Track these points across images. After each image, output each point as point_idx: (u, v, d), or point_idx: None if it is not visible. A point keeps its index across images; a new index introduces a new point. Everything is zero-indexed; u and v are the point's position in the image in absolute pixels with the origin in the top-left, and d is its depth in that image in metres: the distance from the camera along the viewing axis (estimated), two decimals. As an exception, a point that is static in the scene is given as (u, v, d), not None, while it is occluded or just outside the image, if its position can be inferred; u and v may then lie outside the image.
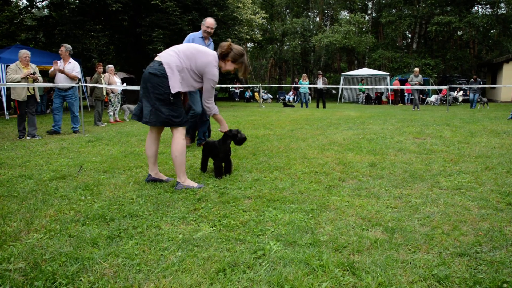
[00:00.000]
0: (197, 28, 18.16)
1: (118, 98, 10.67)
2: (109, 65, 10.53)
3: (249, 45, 38.85)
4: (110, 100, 10.41)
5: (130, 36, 18.62)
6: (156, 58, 3.41)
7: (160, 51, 17.46)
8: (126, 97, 16.13)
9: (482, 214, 2.63)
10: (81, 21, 16.57)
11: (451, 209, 2.75)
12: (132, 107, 11.10)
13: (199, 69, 3.32)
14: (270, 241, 2.18)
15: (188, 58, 3.31)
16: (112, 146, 5.79)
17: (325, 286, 1.71)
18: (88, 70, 19.21)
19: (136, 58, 19.83)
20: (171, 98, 3.25)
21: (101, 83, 9.62)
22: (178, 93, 3.32)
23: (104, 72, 10.15)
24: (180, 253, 2.06)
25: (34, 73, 7.02)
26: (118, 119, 10.58)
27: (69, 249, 2.11)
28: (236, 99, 27.61)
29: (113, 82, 10.23)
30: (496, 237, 2.24)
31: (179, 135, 3.38)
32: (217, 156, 3.75)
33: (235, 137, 3.76)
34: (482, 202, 2.88)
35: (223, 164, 3.78)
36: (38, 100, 7.35)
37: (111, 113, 10.41)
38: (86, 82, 15.21)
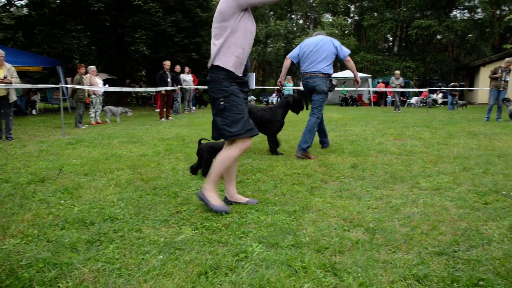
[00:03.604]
0: (180, 30, 18.13)
1: (100, 99, 10.50)
2: (91, 66, 10.36)
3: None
4: (91, 102, 10.24)
5: (112, 36, 18.37)
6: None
7: (142, 52, 17.25)
8: (108, 98, 15.90)
9: (459, 214, 2.69)
10: (61, 21, 16.25)
11: (430, 209, 2.80)
12: (114, 108, 10.95)
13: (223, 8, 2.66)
14: (253, 243, 2.18)
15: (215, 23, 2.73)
16: (93, 149, 5.70)
17: (307, 288, 1.72)
18: (69, 71, 18.85)
19: (118, 59, 19.57)
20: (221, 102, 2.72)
21: (83, 85, 9.46)
22: (232, 95, 2.73)
23: (86, 73, 9.98)
24: (161, 256, 2.04)
25: (5, 77, 6.71)
26: (99, 121, 10.42)
27: (47, 254, 2.06)
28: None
29: (95, 83, 10.08)
30: (473, 236, 2.29)
31: (234, 145, 2.79)
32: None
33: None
34: (460, 202, 2.95)
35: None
36: (11, 101, 7.01)
37: (93, 115, 10.24)
38: (66, 83, 14.94)
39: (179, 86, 12.66)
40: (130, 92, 21.98)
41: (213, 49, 2.71)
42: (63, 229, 2.44)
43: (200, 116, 12.93)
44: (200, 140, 3.87)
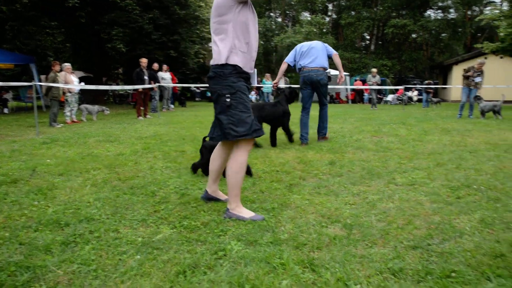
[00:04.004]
0: (158, 27, 17.89)
1: (75, 98, 10.27)
2: (66, 64, 10.11)
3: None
4: (66, 100, 10.00)
5: (88, 33, 17.95)
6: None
7: (119, 49, 16.95)
8: (84, 97, 15.55)
9: (433, 208, 2.76)
10: (34, 17, 15.77)
11: (406, 204, 2.87)
12: (90, 107, 10.72)
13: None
14: (231, 241, 2.18)
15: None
16: (68, 148, 5.57)
17: (286, 284, 1.73)
18: (43, 69, 18.31)
19: (94, 57, 19.16)
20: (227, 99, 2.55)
21: (58, 82, 9.22)
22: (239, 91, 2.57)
23: (60, 70, 9.73)
24: (139, 256, 2.01)
25: None
26: (75, 120, 10.18)
27: (19, 257, 2.00)
28: (197, 99, 27.33)
29: (70, 81, 9.84)
30: (446, 229, 2.36)
31: (240, 149, 2.62)
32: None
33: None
34: (433, 197, 3.03)
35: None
36: None
37: (68, 114, 10.00)
38: (40, 81, 14.53)
39: (157, 84, 12.51)
40: (107, 90, 21.56)
41: (216, 47, 2.57)
42: (37, 231, 2.38)
43: (179, 114, 12.81)
44: (204, 138, 3.79)
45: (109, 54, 18.07)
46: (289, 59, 5.86)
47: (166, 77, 14.54)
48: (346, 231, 2.34)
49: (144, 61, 11.43)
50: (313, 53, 5.61)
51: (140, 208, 2.80)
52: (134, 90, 12.94)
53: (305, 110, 5.83)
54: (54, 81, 9.19)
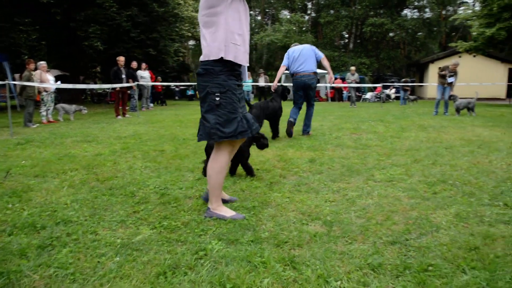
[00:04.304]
0: (137, 25, 17.61)
1: (51, 97, 10.02)
2: (41, 62, 9.84)
3: (191, 42, 38.32)
4: (42, 99, 9.74)
5: (64, 31, 17.51)
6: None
7: (97, 47, 16.61)
8: (61, 96, 15.18)
9: (411, 204, 2.82)
10: (7, 13, 15.29)
11: (384, 200, 2.92)
12: (67, 106, 10.48)
13: None
14: (212, 241, 2.17)
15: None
16: (44, 149, 5.43)
17: (267, 283, 1.74)
18: (17, 67, 17.77)
19: (71, 55, 18.71)
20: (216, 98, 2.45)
21: (33, 81, 8.97)
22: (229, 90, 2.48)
23: (35, 69, 9.47)
24: (118, 258, 1.98)
25: None
26: (51, 120, 9.94)
27: (-7, 262, 1.94)
28: (177, 98, 27.12)
29: (45, 80, 9.59)
30: (423, 224, 2.41)
31: (222, 149, 2.58)
32: (243, 156, 3.56)
33: (257, 140, 3.56)
34: (411, 193, 3.09)
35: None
36: None
37: (44, 113, 9.75)
38: (14, 80, 14.11)
39: (136, 83, 12.33)
40: (84, 89, 21.14)
41: (206, 39, 2.44)
42: (11, 234, 2.31)
43: (158, 113, 12.67)
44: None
45: (86, 52, 17.69)
46: (285, 62, 6.43)
47: (145, 75, 14.36)
48: (326, 228, 2.36)
49: (121, 59, 11.24)
50: (304, 59, 6.18)
51: (119, 209, 2.75)
52: (112, 89, 12.72)
53: (297, 105, 6.57)
54: (29, 80, 8.94)
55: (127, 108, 11.96)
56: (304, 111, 6.64)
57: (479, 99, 11.25)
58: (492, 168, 3.91)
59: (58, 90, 12.45)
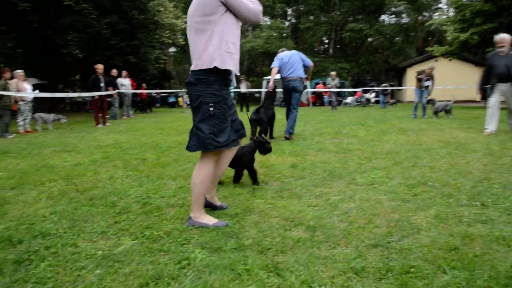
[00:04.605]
0: (116, 32, 17.42)
1: (29, 106, 9.80)
2: (18, 71, 9.63)
3: (172, 49, 38.13)
4: (19, 109, 9.51)
5: (41, 39, 17.16)
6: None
7: (76, 55, 16.31)
8: (39, 105, 14.85)
9: (392, 206, 2.86)
10: (-20, 21, 14.93)
11: (366, 203, 2.95)
12: (45, 115, 10.26)
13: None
14: (195, 250, 2.15)
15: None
16: (21, 160, 5.29)
17: (251, 290, 1.73)
18: (-9, 77, 17.32)
19: (49, 63, 18.34)
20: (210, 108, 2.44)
21: (9, 91, 8.75)
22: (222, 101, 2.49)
23: (11, 78, 9.25)
24: (99, 271, 1.94)
25: None
26: (29, 130, 9.71)
27: (-33, 279, 1.88)
28: (158, 105, 26.91)
29: (22, 89, 9.38)
30: (404, 226, 2.45)
31: (208, 158, 2.56)
32: (243, 163, 3.50)
33: (262, 145, 3.57)
34: (392, 195, 3.14)
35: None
36: None
37: (21, 123, 9.51)
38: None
39: (116, 91, 12.19)
40: (63, 98, 20.73)
41: (198, 47, 2.41)
42: (-13, 249, 2.23)
43: (139, 121, 12.53)
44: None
45: (65, 60, 17.38)
46: (276, 64, 6.89)
47: (125, 83, 14.20)
48: (309, 233, 2.37)
49: (99, 67, 11.08)
50: (293, 65, 6.75)
51: (100, 220, 2.70)
52: (91, 97, 12.52)
53: (289, 107, 7.02)
54: (5, 89, 8.72)
55: (107, 116, 11.78)
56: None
57: (455, 101, 11.54)
58: (469, 169, 4.01)
59: (35, 99, 12.17)
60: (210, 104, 2.42)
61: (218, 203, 2.93)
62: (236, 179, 3.65)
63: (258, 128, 6.58)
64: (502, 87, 6.51)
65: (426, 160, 4.55)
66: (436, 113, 10.85)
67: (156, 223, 2.62)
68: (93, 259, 2.08)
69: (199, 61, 2.42)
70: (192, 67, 2.47)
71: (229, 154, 2.79)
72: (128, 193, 3.39)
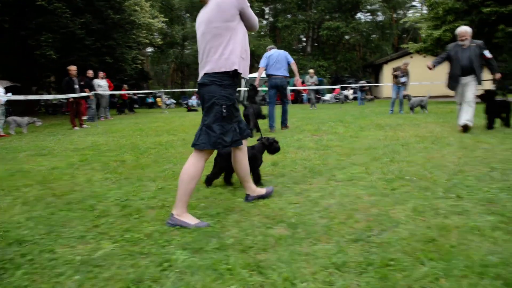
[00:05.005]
0: (91, 32, 17.06)
1: (1, 109, 9.50)
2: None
3: (149, 49, 37.66)
4: (-10, 113, 9.23)
5: (13, 40, 16.64)
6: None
7: (50, 56, 15.90)
8: (12, 108, 14.41)
9: (371, 201, 2.90)
10: None
11: (346, 199, 2.99)
12: (19, 119, 9.97)
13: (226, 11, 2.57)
14: (177, 251, 2.13)
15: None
16: (-6, 165, 5.13)
17: (233, 289, 1.73)
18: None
19: (22, 65, 17.80)
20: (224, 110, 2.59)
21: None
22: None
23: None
24: (78, 276, 1.90)
25: None
26: (2, 134, 9.41)
27: None
28: (136, 106, 26.56)
29: (-8, 92, 9.09)
30: (383, 221, 2.49)
31: (201, 157, 2.64)
32: (257, 164, 3.47)
33: (271, 145, 3.55)
34: (371, 190, 3.19)
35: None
36: None
37: (-7, 127, 9.23)
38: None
39: (93, 92, 11.95)
40: (38, 100, 20.19)
41: (216, 51, 2.56)
42: (-41, 259, 2.16)
43: (118, 122, 12.33)
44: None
45: (39, 61, 16.91)
46: (263, 64, 7.63)
47: (102, 84, 13.94)
48: (291, 231, 2.39)
49: (72, 69, 10.81)
50: (279, 64, 7.47)
51: (78, 225, 2.65)
52: (67, 99, 12.24)
53: (271, 103, 7.83)
54: (-25, 93, 8.45)
55: (84, 118, 11.55)
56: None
57: (431, 97, 11.81)
58: (445, 162, 4.11)
59: (8, 102, 11.80)
60: (223, 106, 2.57)
61: (263, 190, 3.06)
62: (256, 180, 3.52)
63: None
64: (464, 80, 6.42)
65: (404, 154, 4.64)
66: (412, 108, 11.09)
67: (136, 225, 2.58)
68: (72, 264, 2.03)
69: (217, 64, 2.56)
70: (207, 69, 2.59)
71: (244, 150, 2.89)
72: (107, 196, 3.33)
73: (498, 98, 6.92)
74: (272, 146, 3.57)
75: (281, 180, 3.64)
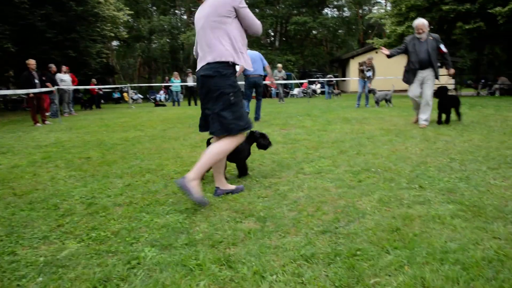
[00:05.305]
0: (53, 25, 16.37)
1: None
2: None
3: (115, 43, 36.62)
4: None
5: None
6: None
7: (7, 49, 15.16)
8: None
9: (339, 193, 2.97)
10: None
11: (314, 192, 3.04)
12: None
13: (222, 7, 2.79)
14: (145, 248, 2.10)
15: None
16: None
17: (203, 285, 1.72)
18: None
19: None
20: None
21: None
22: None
23: None
24: (41, 278, 1.83)
25: None
26: (-45, 132, 8.91)
27: None
28: (102, 101, 25.82)
29: None
30: (350, 212, 2.55)
31: (233, 139, 2.91)
32: (238, 157, 3.48)
33: (257, 140, 3.55)
34: (338, 182, 3.25)
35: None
36: None
37: None
38: None
39: (56, 87, 11.51)
40: (-6, 96, 19.24)
41: (214, 43, 2.76)
42: None
43: (83, 118, 11.94)
44: (208, 140, 3.59)
45: (-5, 55, 16.09)
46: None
47: (65, 78, 13.46)
48: (260, 224, 2.40)
49: (31, 62, 10.33)
50: (255, 63, 7.85)
51: (41, 224, 2.55)
52: (27, 95, 11.73)
53: (247, 99, 8.29)
54: None
55: (47, 114, 11.10)
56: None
57: (395, 91, 12.17)
58: (408, 154, 4.26)
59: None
60: (231, 94, 2.81)
61: (232, 186, 3.10)
62: (242, 172, 3.59)
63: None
64: (422, 74, 6.36)
65: (369, 147, 4.76)
66: (377, 102, 11.39)
67: (103, 223, 2.52)
68: (34, 266, 1.96)
69: (215, 54, 2.77)
70: (209, 59, 2.79)
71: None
72: (72, 194, 3.23)
73: (450, 93, 6.94)
74: (260, 141, 3.58)
75: (250, 174, 3.65)
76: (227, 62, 2.78)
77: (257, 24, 2.93)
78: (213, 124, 2.84)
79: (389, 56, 6.60)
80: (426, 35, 6.33)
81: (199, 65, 2.91)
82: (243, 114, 2.88)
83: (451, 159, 3.93)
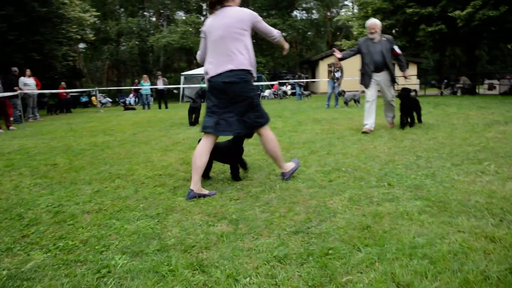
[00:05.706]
0: (14, 26, 15.73)
1: None
2: None
3: (81, 45, 35.62)
4: None
5: None
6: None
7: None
8: None
9: (310, 193, 3.00)
10: None
11: (286, 192, 3.06)
12: None
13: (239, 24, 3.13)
14: (115, 256, 2.05)
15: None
16: None
17: (176, 290, 1.70)
18: None
19: None
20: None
21: None
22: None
23: None
24: (5, 291, 1.76)
25: None
26: None
27: None
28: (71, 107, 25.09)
29: None
30: (322, 211, 2.58)
31: (265, 131, 3.30)
32: (231, 158, 3.54)
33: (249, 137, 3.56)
34: (309, 183, 3.29)
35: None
36: None
37: None
38: None
39: (19, 92, 11.07)
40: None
41: (235, 52, 3.06)
42: None
43: (49, 123, 11.53)
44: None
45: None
46: None
47: (29, 82, 12.96)
48: (232, 227, 2.39)
49: (-7, 66, 9.94)
50: None
51: (4, 236, 2.44)
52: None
53: None
54: None
55: (11, 119, 10.65)
56: None
57: (363, 91, 12.45)
58: (377, 153, 4.36)
59: None
60: (254, 97, 3.21)
61: (206, 191, 3.12)
62: (236, 175, 3.56)
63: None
64: (378, 77, 6.18)
65: (339, 147, 4.85)
66: (346, 102, 11.62)
67: (71, 232, 2.44)
68: (-3, 279, 1.88)
69: (237, 62, 3.07)
70: (231, 67, 3.06)
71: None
72: (37, 202, 3.11)
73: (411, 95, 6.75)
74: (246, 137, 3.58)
75: (221, 177, 3.64)
76: (248, 70, 3.12)
77: (272, 30, 3.28)
78: (239, 125, 3.15)
79: (341, 59, 6.36)
80: (379, 35, 6.06)
81: (212, 72, 3.11)
82: (263, 113, 3.26)
83: (418, 157, 4.06)
